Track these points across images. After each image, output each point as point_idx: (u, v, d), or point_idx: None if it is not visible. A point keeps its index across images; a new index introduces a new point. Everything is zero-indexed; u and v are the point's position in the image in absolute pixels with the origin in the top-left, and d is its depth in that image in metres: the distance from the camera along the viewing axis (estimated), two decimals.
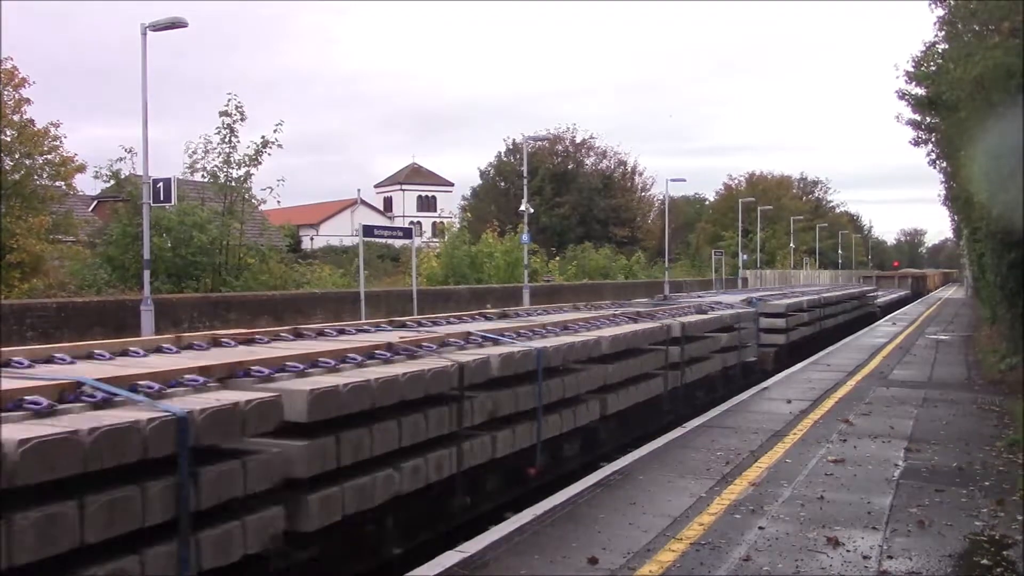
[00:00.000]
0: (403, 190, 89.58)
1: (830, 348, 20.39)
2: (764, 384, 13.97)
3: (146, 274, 17.86)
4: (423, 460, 6.11)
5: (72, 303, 16.91)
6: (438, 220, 68.25)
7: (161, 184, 18.51)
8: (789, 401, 12.04)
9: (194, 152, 24.48)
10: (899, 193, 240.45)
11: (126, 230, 22.77)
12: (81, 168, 23.84)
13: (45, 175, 23.21)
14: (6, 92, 22.13)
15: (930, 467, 8.22)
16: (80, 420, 4.02)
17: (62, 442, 3.69)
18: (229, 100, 23.96)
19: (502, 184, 66.47)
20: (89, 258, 24.06)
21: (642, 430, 10.32)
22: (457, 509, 6.77)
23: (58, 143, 22.89)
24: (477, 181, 71.36)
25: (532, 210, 41.80)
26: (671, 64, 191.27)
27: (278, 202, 26.96)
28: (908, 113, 19.77)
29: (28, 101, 22.65)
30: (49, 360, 5.36)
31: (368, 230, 27.77)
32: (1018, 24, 8.78)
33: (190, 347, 6.45)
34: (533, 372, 7.60)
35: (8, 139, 22.10)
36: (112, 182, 24.58)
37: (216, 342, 6.71)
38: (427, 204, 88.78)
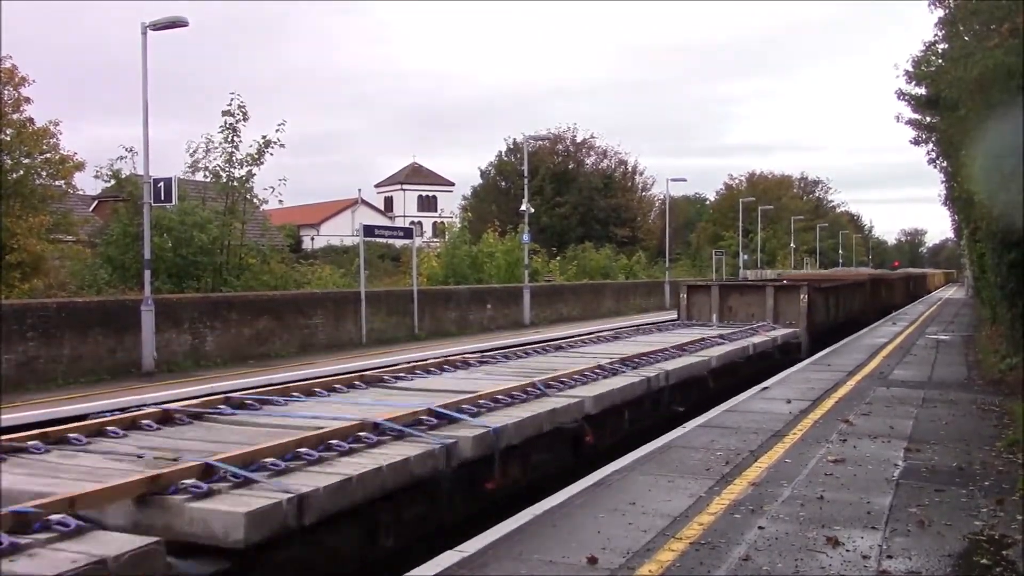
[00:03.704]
0: (403, 190, 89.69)
1: (829, 348, 20.36)
2: (764, 384, 13.97)
3: (147, 274, 17.84)
4: None
5: (72, 303, 16.89)
6: (439, 220, 68.26)
7: (162, 184, 18.47)
8: (789, 401, 12.04)
9: (195, 151, 24.48)
10: (899, 193, 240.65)
11: (126, 230, 22.75)
12: (80, 166, 23.80)
13: (44, 174, 23.20)
14: (6, 91, 22.13)
15: (930, 467, 8.23)
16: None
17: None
18: (232, 100, 23.92)
19: (503, 184, 66.47)
20: (89, 258, 24.05)
21: None
22: None
23: (56, 140, 22.91)
24: (477, 181, 71.36)
25: (532, 210, 41.80)
26: (671, 64, 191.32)
27: (280, 202, 26.90)
28: (908, 113, 19.83)
29: (28, 100, 22.66)
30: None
31: (369, 230, 27.80)
32: (1018, 25, 8.78)
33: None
34: None
35: (8, 138, 22.10)
36: (112, 182, 24.55)
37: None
38: (428, 204, 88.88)
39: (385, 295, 25.67)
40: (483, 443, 7.55)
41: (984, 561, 5.66)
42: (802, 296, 21.22)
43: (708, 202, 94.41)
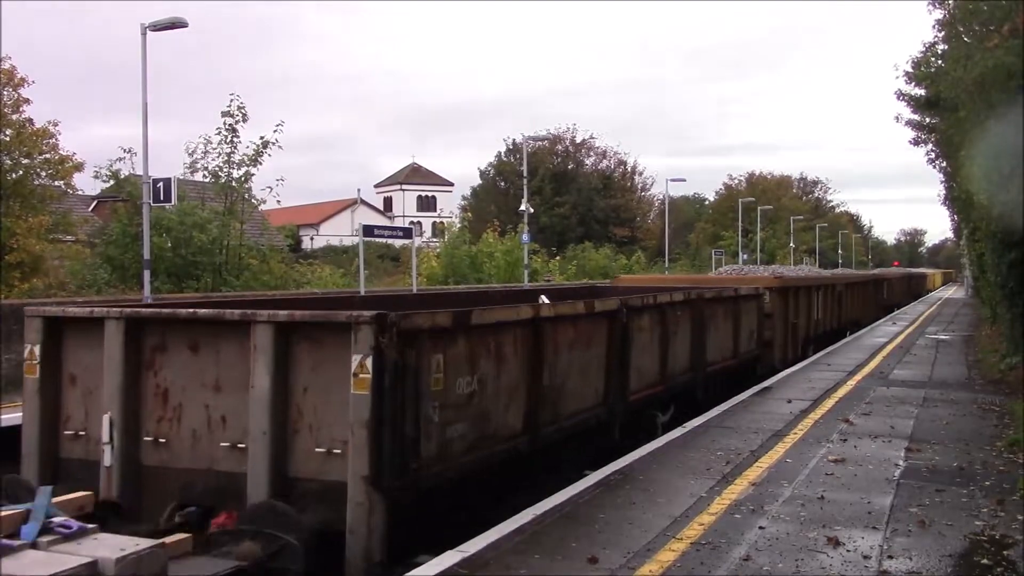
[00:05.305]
0: (403, 190, 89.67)
1: (830, 348, 20.39)
2: (765, 384, 13.97)
3: (146, 274, 17.85)
4: None
5: (72, 303, 16.86)
6: (438, 220, 68.27)
7: (161, 184, 18.49)
8: (789, 401, 12.04)
9: (194, 152, 24.50)
10: (899, 193, 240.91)
11: (126, 230, 22.77)
12: (79, 167, 23.80)
13: (44, 174, 23.19)
14: (6, 92, 22.10)
15: (930, 467, 8.23)
16: None
17: None
18: (231, 100, 23.92)
19: (502, 184, 66.50)
20: (89, 258, 24.04)
21: None
22: None
23: (55, 140, 22.90)
24: (477, 181, 71.49)
25: (532, 210, 41.77)
26: (671, 64, 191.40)
27: (278, 202, 26.96)
28: (908, 113, 19.85)
29: (27, 100, 22.65)
30: None
31: (368, 230, 27.75)
32: (1018, 25, 8.79)
33: None
34: None
35: (7, 138, 22.08)
36: (112, 182, 24.57)
37: None
38: (427, 204, 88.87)
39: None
40: None
41: (985, 561, 5.66)
42: (359, 361, 5.48)
43: (708, 202, 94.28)
